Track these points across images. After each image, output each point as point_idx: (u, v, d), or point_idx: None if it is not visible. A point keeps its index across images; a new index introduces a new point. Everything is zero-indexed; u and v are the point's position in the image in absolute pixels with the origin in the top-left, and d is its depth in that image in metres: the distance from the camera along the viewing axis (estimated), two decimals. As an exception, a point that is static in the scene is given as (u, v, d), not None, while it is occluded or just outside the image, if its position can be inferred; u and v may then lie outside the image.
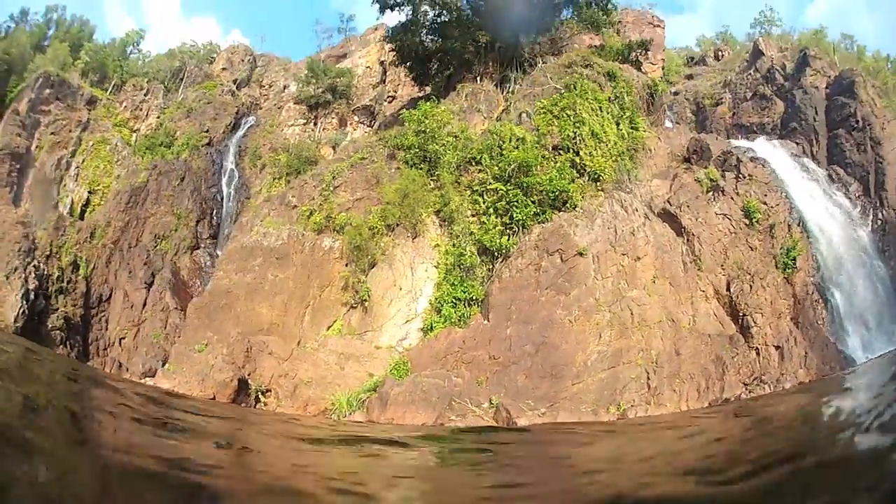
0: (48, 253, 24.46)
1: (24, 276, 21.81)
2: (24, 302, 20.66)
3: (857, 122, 22.23)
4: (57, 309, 22.77)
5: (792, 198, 17.07)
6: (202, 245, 24.90)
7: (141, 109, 35.01)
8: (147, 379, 18.19)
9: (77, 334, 23.16)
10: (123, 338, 24.71)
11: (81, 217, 27.30)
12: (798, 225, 16.91)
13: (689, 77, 27.09)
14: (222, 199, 24.17)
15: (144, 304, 24.96)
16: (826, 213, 18.17)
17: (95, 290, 25.07)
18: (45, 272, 23.07)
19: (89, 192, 28.58)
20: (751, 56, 24.91)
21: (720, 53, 28.29)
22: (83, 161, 29.93)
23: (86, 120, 30.22)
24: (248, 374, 16.33)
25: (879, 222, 21.38)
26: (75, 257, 24.32)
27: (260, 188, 22.14)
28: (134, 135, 33.27)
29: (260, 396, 15.93)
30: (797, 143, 20.45)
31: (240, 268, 18.90)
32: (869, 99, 23.38)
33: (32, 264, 22.36)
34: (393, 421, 14.16)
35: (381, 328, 16.73)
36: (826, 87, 21.94)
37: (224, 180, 24.41)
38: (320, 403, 15.78)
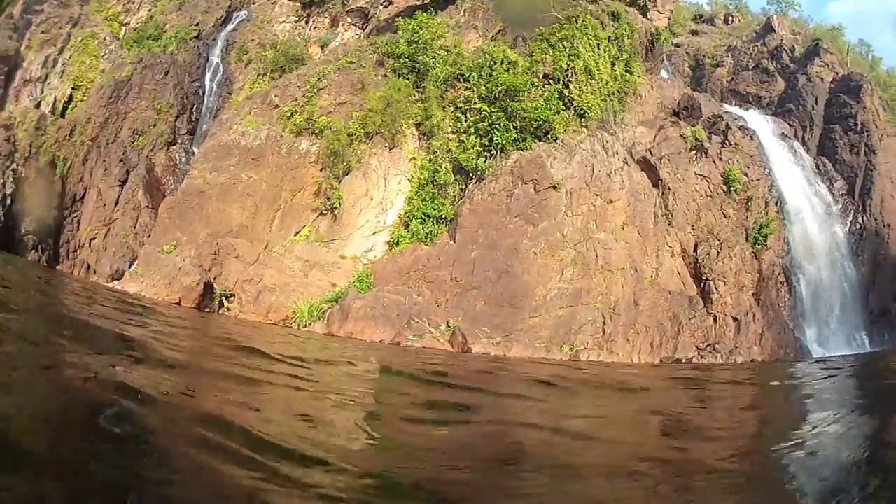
0: (27, 154, 23.36)
1: (2, 181, 20.89)
2: (1, 209, 19.85)
3: (857, 124, 22.08)
4: (31, 212, 21.85)
5: (774, 175, 16.96)
6: (179, 141, 24.06)
7: (133, 2, 33.35)
8: (115, 282, 17.70)
9: (49, 237, 22.33)
10: (94, 238, 23.94)
11: (63, 115, 26.17)
12: (776, 204, 16.85)
13: (694, 33, 26.55)
14: (204, 93, 23.24)
15: (117, 203, 24.08)
16: (806, 199, 18.15)
17: (70, 190, 24.21)
18: (23, 175, 22.08)
19: (73, 89, 27.32)
20: (761, 29, 24.46)
21: (730, 18, 27.78)
22: (70, 57, 28.56)
23: (77, 16, 28.69)
24: (214, 278, 16.01)
25: (858, 226, 21.47)
26: (53, 157, 23.30)
27: (243, 84, 21.27)
28: (123, 28, 31.79)
29: (224, 301, 15.70)
30: (790, 125, 20.26)
31: (215, 167, 18.37)
32: (873, 107, 23.21)
33: (11, 168, 21.39)
34: (352, 335, 14.01)
35: (348, 238, 16.43)
36: (831, 82, 21.68)
37: (208, 75, 23.42)
38: (282, 311, 15.57)
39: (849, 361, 16.84)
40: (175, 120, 24.57)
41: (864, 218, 21.49)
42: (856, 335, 20.87)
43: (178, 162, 23.68)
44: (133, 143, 25.18)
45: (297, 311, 15.18)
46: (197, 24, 26.24)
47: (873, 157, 22.31)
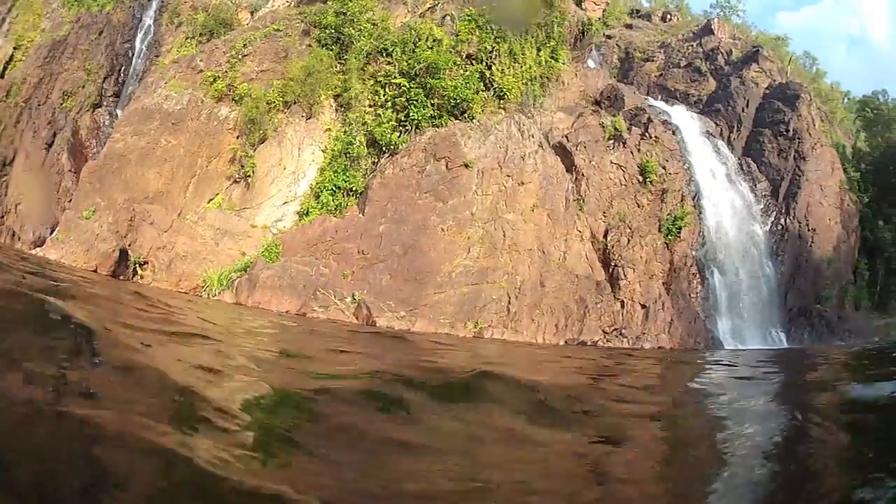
0: (-37, 119, 22.04)
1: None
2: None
3: (788, 130, 22.70)
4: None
5: (694, 171, 17.30)
6: (105, 103, 23.12)
7: (77, -40, 31.89)
8: (37, 249, 17.03)
9: (-22, 205, 21.14)
10: (19, 204, 22.92)
11: (3, 75, 24.86)
12: (693, 198, 17.18)
13: (629, 27, 26.66)
14: (133, 55, 22.37)
15: (43, 165, 23.18)
16: (726, 197, 18.57)
17: (1, 154, 23.08)
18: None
19: (15, 48, 26.02)
20: (700, 30, 24.81)
21: (668, 17, 28.13)
22: (16, 16, 27.22)
23: (28, -26, 27.24)
24: (129, 245, 15.65)
25: (780, 227, 22.15)
26: (-13, 119, 22.06)
27: (171, 47, 20.54)
28: (69, -15, 30.37)
29: (137, 269, 15.28)
30: (717, 124, 20.72)
31: (136, 131, 17.83)
32: (809, 116, 23.92)
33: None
34: (259, 305, 13.84)
35: (259, 207, 16.12)
36: (767, 88, 22.24)
37: (139, 36, 22.54)
38: (193, 279, 15.29)
39: (757, 354, 17.33)
40: (103, 82, 23.64)
41: (787, 220, 22.19)
42: (772, 331, 21.57)
43: (101, 125, 22.78)
44: (62, 104, 24.16)
45: (207, 280, 14.92)
46: (134, -17, 25.30)
47: (803, 163, 23.01)
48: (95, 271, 14.68)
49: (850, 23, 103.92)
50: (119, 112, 21.82)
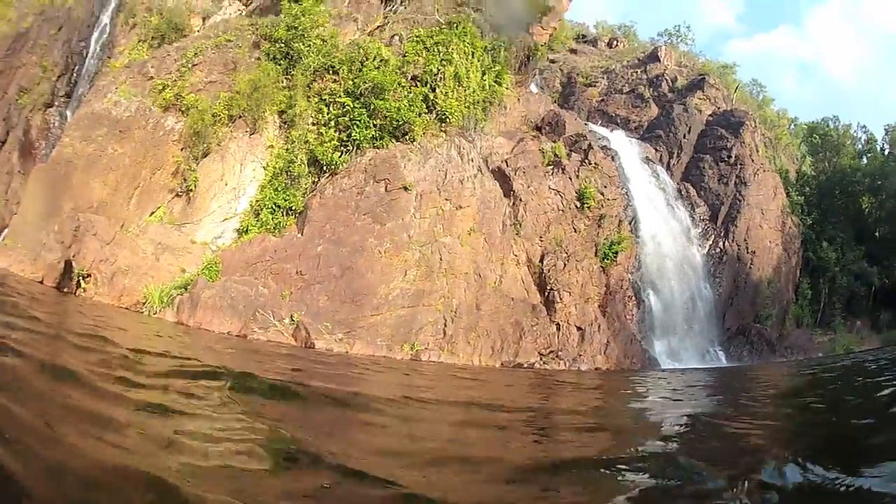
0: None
1: None
2: None
3: (730, 157, 23.62)
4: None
5: (632, 196, 17.92)
6: (56, 103, 22.61)
7: (48, -53, 30.98)
8: None
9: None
10: None
11: None
12: (630, 223, 17.81)
13: (573, 51, 27.28)
14: (87, 54, 21.95)
15: None
16: (663, 221, 19.26)
17: None
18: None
19: None
20: (646, 57, 25.61)
21: (614, 43, 28.84)
22: None
23: (1, -36, 26.31)
24: (74, 256, 15.34)
25: (718, 250, 23.07)
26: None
27: (124, 49, 20.25)
28: (35, -25, 29.53)
29: (81, 282, 15.00)
30: (657, 150, 21.48)
31: (84, 136, 17.69)
32: (752, 143, 24.90)
33: None
34: (201, 325, 13.77)
35: (199, 222, 16.10)
36: (710, 115, 23.10)
37: (95, 35, 22.12)
38: (134, 295, 15.14)
39: (690, 374, 18.08)
40: (56, 80, 23.09)
41: (726, 243, 23.12)
42: (710, 350, 22.47)
43: (52, 126, 22.28)
44: (17, 101, 23.55)
45: (148, 296, 14.78)
46: (99, -23, 24.76)
47: (744, 188, 23.98)
48: (42, 282, 14.46)
49: (803, 50, 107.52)
50: (69, 113, 21.41)
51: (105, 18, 22.91)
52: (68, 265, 15.02)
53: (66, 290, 14.71)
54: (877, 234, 32.99)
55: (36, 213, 16.53)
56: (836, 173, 31.59)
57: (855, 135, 35.24)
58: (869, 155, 34.72)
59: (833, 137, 33.16)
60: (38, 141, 24.04)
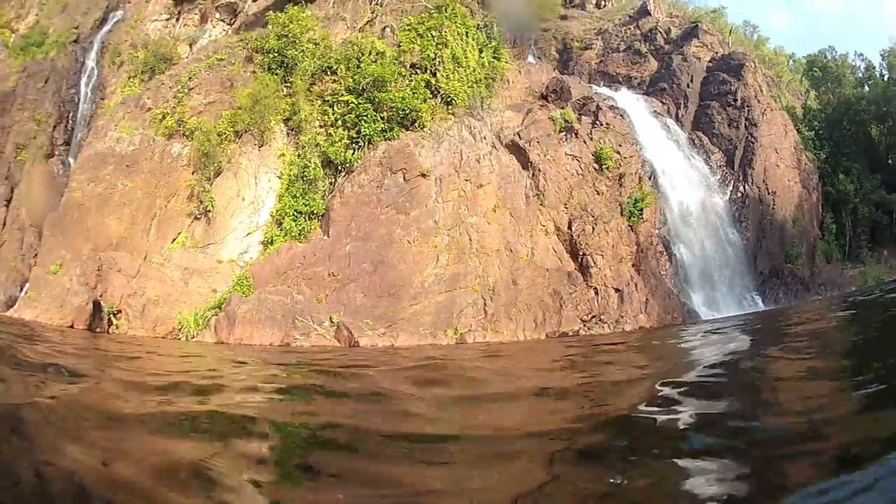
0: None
1: None
2: None
3: (736, 100, 23.23)
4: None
5: (648, 152, 17.63)
6: (56, 152, 22.70)
7: (24, 7, 31.30)
8: (11, 311, 16.71)
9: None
10: None
11: None
12: (650, 178, 17.51)
13: (563, 17, 26.95)
14: (80, 100, 22.00)
15: (4, 224, 22.69)
16: (681, 173, 18.96)
17: None
18: None
19: None
20: (636, 13, 25.25)
21: (603, 3, 28.55)
22: None
23: (-28, 26, 26.55)
24: (101, 295, 15.34)
25: (740, 194, 22.68)
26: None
27: (115, 88, 20.27)
28: (13, 35, 29.80)
29: (112, 319, 15.02)
30: (663, 103, 21.14)
31: (92, 177, 17.66)
32: (755, 84, 24.50)
33: None
34: (242, 341, 13.61)
35: (223, 241, 16.03)
36: (710, 61, 22.74)
37: (83, 80, 22.17)
38: (168, 323, 15.08)
39: (733, 321, 17.73)
40: (53, 130, 23.20)
41: (746, 187, 22.72)
42: (747, 296, 22.05)
43: (56, 175, 22.38)
44: (16, 158, 23.70)
45: (182, 322, 14.72)
46: (77, 27, 24.86)
47: (755, 130, 23.56)
48: (72, 327, 14.38)
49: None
50: (71, 160, 21.47)
51: (91, 63, 23.00)
52: (97, 305, 14.97)
53: (98, 329, 14.66)
54: (889, 161, 32.47)
55: (54, 261, 16.54)
56: (841, 104, 31.04)
57: (853, 64, 34.74)
58: (870, 82, 34.16)
59: (833, 69, 32.67)
60: (45, 193, 24.14)
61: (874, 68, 34.99)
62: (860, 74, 35.03)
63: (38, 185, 23.84)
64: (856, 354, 6.81)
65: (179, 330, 14.55)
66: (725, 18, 28.53)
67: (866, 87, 33.74)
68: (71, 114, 22.25)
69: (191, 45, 18.12)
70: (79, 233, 16.82)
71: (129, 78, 19.07)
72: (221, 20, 17.09)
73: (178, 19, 18.70)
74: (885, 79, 34.07)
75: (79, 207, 17.13)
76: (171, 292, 15.71)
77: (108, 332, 14.65)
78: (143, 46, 18.85)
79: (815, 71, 31.92)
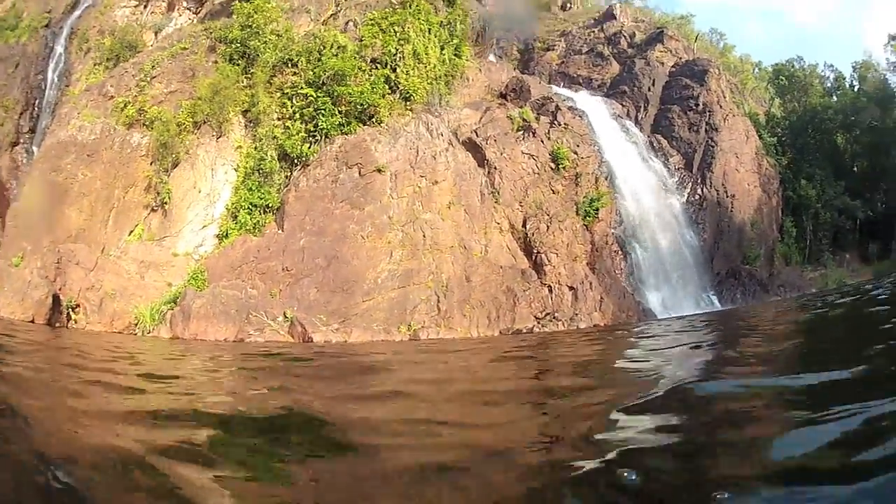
0: None
1: None
2: None
3: (698, 105, 23.80)
4: None
5: (605, 153, 18.05)
6: (21, 140, 22.38)
7: (4, -11, 30.69)
8: None
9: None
10: None
11: None
12: (606, 179, 17.94)
13: None
14: (46, 87, 21.73)
15: None
16: (639, 174, 19.42)
17: None
18: None
19: None
20: (601, 17, 25.78)
21: (568, 5, 29.14)
22: None
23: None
24: (60, 289, 15.03)
25: (697, 196, 23.28)
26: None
27: (80, 75, 20.08)
28: (-7, 19, 29.19)
29: (70, 313, 14.71)
30: (623, 105, 21.63)
31: (53, 167, 17.39)
32: (718, 90, 25.12)
33: None
34: (197, 336, 13.57)
35: (178, 234, 15.97)
36: (673, 66, 23.28)
37: (51, 66, 21.91)
38: (125, 317, 14.86)
39: (686, 320, 18.22)
40: (19, 118, 22.84)
41: (705, 189, 23.34)
42: (703, 296, 22.65)
43: (20, 164, 22.06)
44: (-14, 146, 23.26)
45: (139, 317, 14.53)
46: (49, 11, 24.49)
47: (716, 134, 24.18)
48: (32, 321, 13.92)
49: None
50: (35, 148, 21.20)
51: (59, 48, 22.72)
52: (56, 299, 14.67)
53: (57, 324, 14.31)
54: (855, 168, 33.46)
55: (16, 253, 16.31)
56: (806, 112, 31.92)
57: (822, 74, 35.73)
58: (839, 92, 35.11)
59: (800, 78, 33.55)
60: (8, 181, 23.80)
61: (844, 78, 36.03)
62: (829, 84, 36.06)
63: (3, 174, 23.49)
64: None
65: (136, 325, 14.39)
66: (692, 25, 29.16)
67: (834, 97, 34.72)
68: (37, 101, 21.96)
69: (156, 33, 18.06)
70: (40, 224, 16.52)
71: (95, 65, 18.93)
72: (188, 8, 17.08)
73: (146, 6, 18.60)
74: (856, 89, 35.09)
75: (40, 198, 16.88)
76: (128, 286, 15.56)
77: (66, 326, 14.43)
78: (110, 33, 18.71)
79: (782, 79, 32.76)
